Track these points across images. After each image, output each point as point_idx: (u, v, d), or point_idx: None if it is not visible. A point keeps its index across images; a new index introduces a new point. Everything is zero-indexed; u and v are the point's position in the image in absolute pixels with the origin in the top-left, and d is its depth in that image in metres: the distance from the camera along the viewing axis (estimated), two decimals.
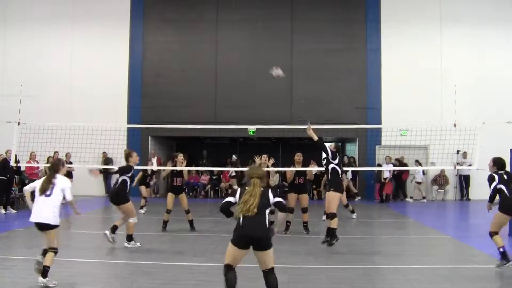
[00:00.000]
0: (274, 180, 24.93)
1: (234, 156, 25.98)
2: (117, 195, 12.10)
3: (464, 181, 24.45)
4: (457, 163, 21.83)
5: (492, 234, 10.14)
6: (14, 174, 19.33)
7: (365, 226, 16.47)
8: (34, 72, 25.18)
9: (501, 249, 9.91)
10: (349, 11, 25.54)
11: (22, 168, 20.19)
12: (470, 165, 20.25)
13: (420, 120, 22.13)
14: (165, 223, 14.25)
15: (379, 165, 24.01)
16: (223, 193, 25.45)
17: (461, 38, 25.01)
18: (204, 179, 26.01)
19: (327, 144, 12.54)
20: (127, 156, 12.40)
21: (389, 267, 10.20)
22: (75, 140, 18.78)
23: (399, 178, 24.44)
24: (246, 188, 7.39)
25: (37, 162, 19.41)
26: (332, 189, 11.92)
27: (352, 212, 17.52)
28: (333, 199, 11.80)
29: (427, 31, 25.14)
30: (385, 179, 23.41)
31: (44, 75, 25.37)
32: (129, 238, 11.97)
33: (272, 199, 7.37)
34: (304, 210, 14.25)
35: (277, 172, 24.52)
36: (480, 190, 23.95)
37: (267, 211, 7.28)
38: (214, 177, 25.76)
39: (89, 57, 25.70)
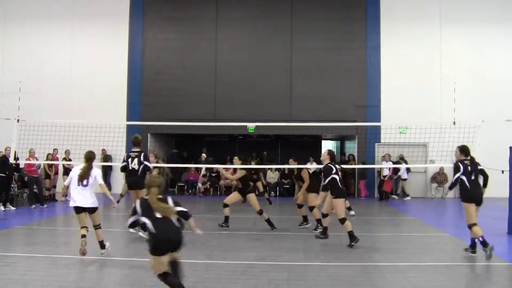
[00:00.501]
0: (273, 177, 25.08)
1: (203, 155, 24.93)
2: (141, 180, 12.49)
3: None
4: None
5: (470, 226, 10.64)
6: (13, 171, 19.36)
7: (364, 223, 16.46)
8: (33, 70, 25.21)
9: (481, 238, 10.33)
10: (349, 9, 25.55)
11: (22, 165, 20.19)
12: None
13: (420, 118, 22.14)
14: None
15: (363, 163, 24.04)
16: (222, 190, 25.46)
17: (460, 36, 25.03)
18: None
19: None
20: (140, 142, 13.33)
21: (388, 264, 10.21)
22: (74, 137, 18.79)
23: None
24: (144, 197, 7.41)
25: (36, 159, 19.42)
26: (334, 196, 11.96)
27: (349, 209, 17.50)
28: (338, 205, 11.97)
29: (426, 29, 25.16)
30: (384, 176, 23.43)
31: (43, 72, 25.39)
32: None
33: (173, 207, 7.34)
34: (310, 208, 14.23)
35: (276, 169, 24.68)
36: None
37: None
38: (213, 175, 25.74)
39: (89, 54, 25.70)
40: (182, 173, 26.32)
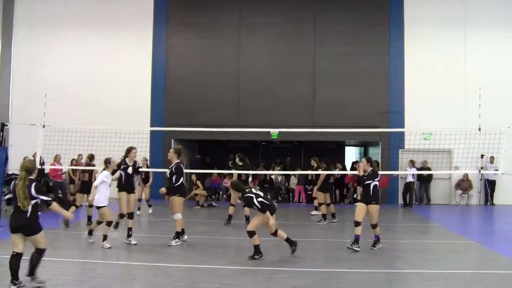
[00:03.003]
0: (293, 183, 25.07)
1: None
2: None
3: (489, 185, 24.15)
4: (481, 168, 21.62)
5: (376, 225, 12.25)
6: (40, 176, 19.52)
7: (388, 230, 16.31)
8: (59, 76, 25.44)
9: (356, 236, 11.95)
10: (372, 14, 25.41)
11: (46, 170, 20.34)
12: (496, 170, 20.00)
13: (444, 124, 21.96)
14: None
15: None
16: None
17: (485, 41, 24.74)
18: (227, 182, 26.01)
19: None
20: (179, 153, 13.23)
21: (411, 271, 10.14)
22: (98, 143, 18.93)
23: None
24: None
25: (61, 165, 19.59)
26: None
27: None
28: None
29: (451, 34, 24.90)
30: (408, 183, 23.25)
31: (68, 78, 25.61)
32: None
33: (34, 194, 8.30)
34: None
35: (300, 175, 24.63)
36: (505, 195, 23.80)
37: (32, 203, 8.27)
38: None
39: (113, 60, 25.88)
40: (206, 179, 26.36)
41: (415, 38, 24.89)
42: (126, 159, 13.11)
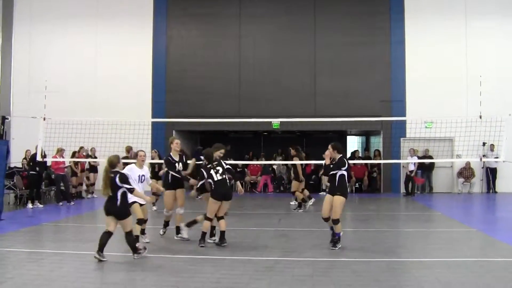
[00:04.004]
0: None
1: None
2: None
3: (491, 173, 24.15)
4: (483, 155, 21.59)
5: (325, 219, 11.24)
6: (43, 169, 19.54)
7: (390, 219, 16.37)
8: (59, 68, 25.47)
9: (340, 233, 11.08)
10: (373, 3, 25.29)
11: (48, 163, 20.34)
12: (496, 157, 19.96)
13: (445, 112, 21.92)
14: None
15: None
16: (248, 186, 25.48)
17: (486, 29, 24.64)
18: None
19: None
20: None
21: (413, 260, 10.13)
22: (100, 135, 18.95)
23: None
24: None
25: (63, 157, 19.60)
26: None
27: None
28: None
29: (452, 23, 24.79)
30: (410, 171, 23.24)
31: (69, 71, 25.65)
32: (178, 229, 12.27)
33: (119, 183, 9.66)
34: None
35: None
36: (507, 182, 23.81)
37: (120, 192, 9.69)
38: (239, 170, 25.69)
39: (114, 52, 25.85)
40: None
41: (415, 27, 24.80)
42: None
